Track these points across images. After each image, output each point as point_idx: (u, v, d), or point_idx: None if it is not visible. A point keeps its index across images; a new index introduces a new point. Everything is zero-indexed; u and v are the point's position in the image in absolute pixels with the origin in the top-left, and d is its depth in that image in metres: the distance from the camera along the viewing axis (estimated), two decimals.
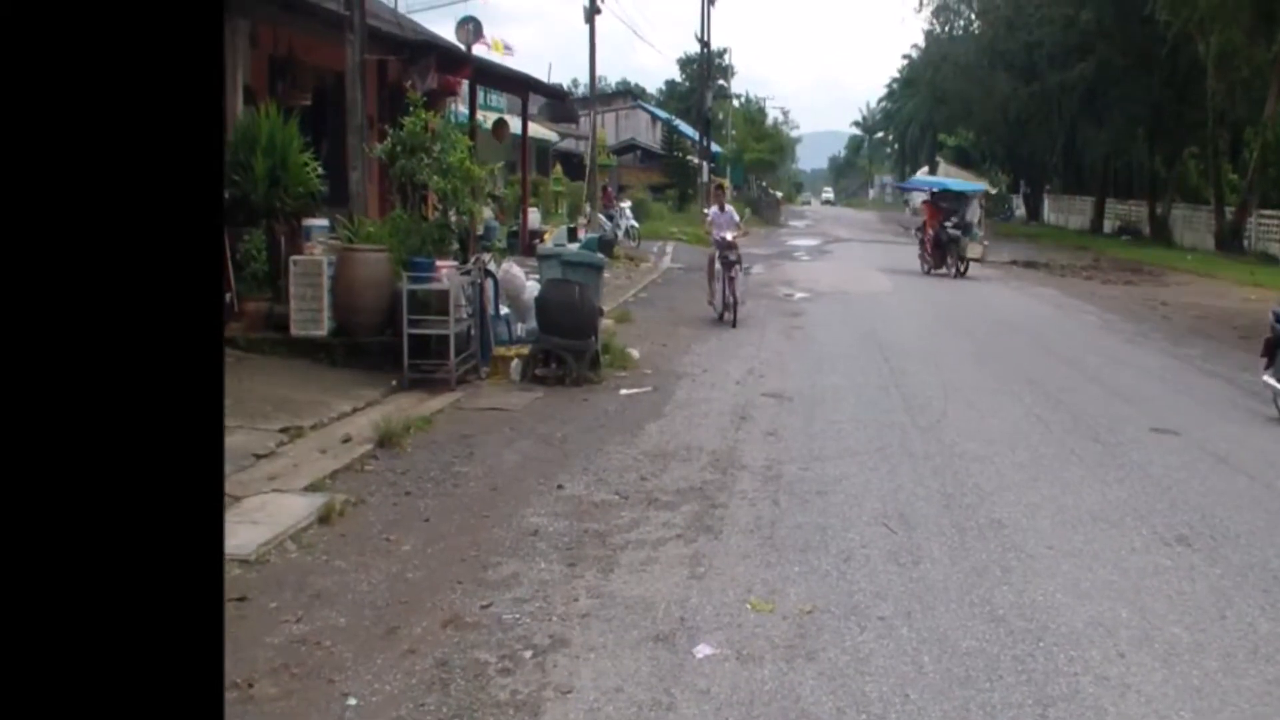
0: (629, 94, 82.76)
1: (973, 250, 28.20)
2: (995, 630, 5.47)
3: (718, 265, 17.92)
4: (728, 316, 17.47)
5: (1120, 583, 6.19)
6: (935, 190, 31.02)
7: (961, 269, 27.74)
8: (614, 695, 4.77)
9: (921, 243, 29.31)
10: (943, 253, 28.02)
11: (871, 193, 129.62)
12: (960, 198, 29.92)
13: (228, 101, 12.95)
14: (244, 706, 4.76)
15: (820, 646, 5.28)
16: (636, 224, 33.24)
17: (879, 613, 5.71)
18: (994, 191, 37.91)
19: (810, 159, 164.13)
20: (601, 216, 30.30)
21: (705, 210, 22.52)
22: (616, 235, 29.55)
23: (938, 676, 4.94)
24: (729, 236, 17.92)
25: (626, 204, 34.18)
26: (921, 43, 73.38)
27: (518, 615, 5.69)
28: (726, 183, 20.26)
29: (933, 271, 28.04)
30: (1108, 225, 53.12)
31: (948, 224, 28.18)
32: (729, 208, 19.31)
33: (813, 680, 4.91)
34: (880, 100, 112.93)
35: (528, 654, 5.22)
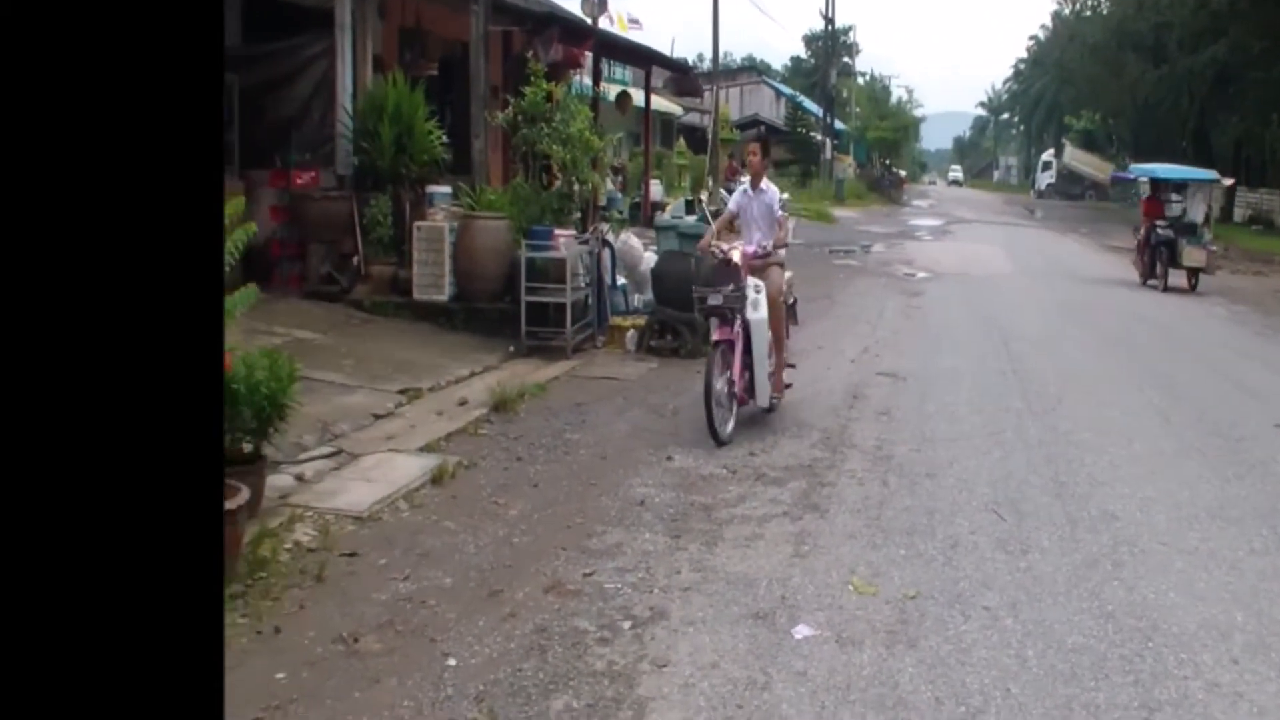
0: (753, 70, 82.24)
1: (1191, 256, 20.87)
2: (1103, 627, 5.25)
3: (713, 331, 8.78)
4: (725, 432, 8.43)
5: (1237, 585, 5.90)
6: (1152, 180, 23.78)
7: (1190, 282, 21.11)
8: (710, 671, 4.70)
9: (1137, 245, 22.83)
10: (1153, 257, 21.62)
11: (996, 174, 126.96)
12: (1185, 189, 22.60)
13: (358, 71, 13.10)
14: (348, 660, 4.80)
15: (922, 633, 5.13)
16: None
17: (984, 602, 5.53)
18: (1229, 183, 28.95)
19: (934, 139, 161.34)
20: (723, 191, 30.00)
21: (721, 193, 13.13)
22: None
23: (1041, 672, 4.76)
24: (736, 255, 8.90)
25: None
26: (1049, 23, 71.68)
27: (619, 585, 5.65)
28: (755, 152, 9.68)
29: (1147, 283, 21.72)
30: (1238, 214, 51.25)
31: (1159, 223, 21.63)
32: (769, 188, 9.84)
33: (912, 668, 4.77)
34: (1006, 81, 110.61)
35: (626, 625, 5.17)
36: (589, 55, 20.70)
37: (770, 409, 9.25)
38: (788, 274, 9.73)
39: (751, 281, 8.81)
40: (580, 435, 8.56)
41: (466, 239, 12.01)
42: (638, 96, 26.78)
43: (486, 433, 8.54)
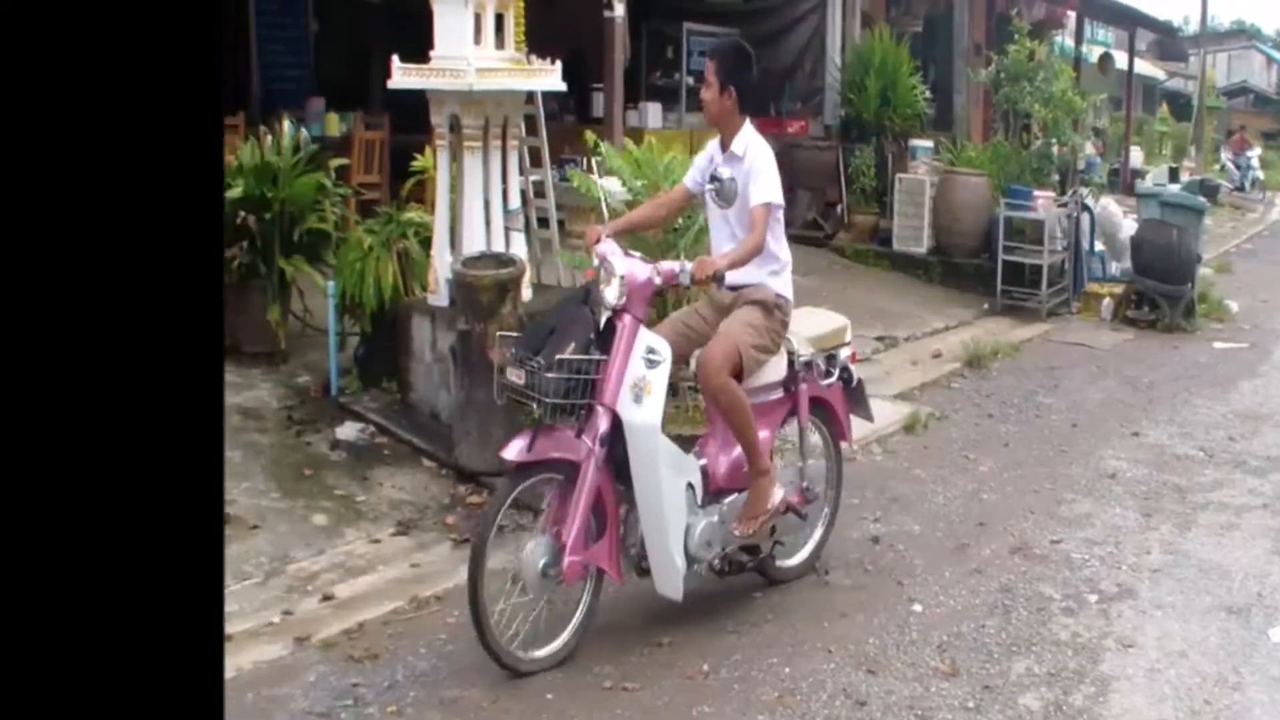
0: (1242, 33, 74.77)
1: None
2: None
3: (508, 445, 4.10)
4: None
5: None
6: None
7: None
8: (1177, 660, 4.38)
9: None
10: None
11: None
12: None
13: (847, 25, 13.17)
14: (819, 591, 4.92)
15: None
16: (1262, 175, 29.25)
17: None
18: None
19: None
20: (1230, 164, 27.43)
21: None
22: (1244, 184, 26.56)
23: None
24: (610, 287, 4.09)
25: (1255, 152, 30.13)
26: None
27: (1086, 557, 5.38)
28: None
29: None
30: None
31: None
32: (749, 149, 4.68)
33: None
34: None
35: (1092, 598, 4.93)
36: (1071, 15, 19.90)
37: (755, 568, 4.79)
38: (832, 322, 5.16)
39: (645, 340, 4.17)
40: (1052, 400, 8.19)
41: (946, 193, 11.83)
42: (1120, 59, 25.07)
43: (959, 387, 8.38)
